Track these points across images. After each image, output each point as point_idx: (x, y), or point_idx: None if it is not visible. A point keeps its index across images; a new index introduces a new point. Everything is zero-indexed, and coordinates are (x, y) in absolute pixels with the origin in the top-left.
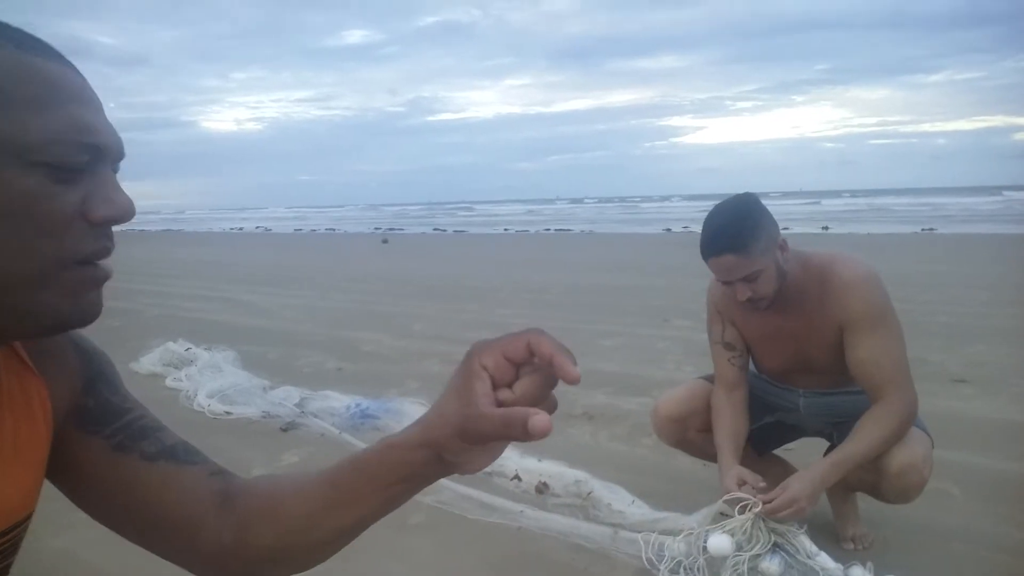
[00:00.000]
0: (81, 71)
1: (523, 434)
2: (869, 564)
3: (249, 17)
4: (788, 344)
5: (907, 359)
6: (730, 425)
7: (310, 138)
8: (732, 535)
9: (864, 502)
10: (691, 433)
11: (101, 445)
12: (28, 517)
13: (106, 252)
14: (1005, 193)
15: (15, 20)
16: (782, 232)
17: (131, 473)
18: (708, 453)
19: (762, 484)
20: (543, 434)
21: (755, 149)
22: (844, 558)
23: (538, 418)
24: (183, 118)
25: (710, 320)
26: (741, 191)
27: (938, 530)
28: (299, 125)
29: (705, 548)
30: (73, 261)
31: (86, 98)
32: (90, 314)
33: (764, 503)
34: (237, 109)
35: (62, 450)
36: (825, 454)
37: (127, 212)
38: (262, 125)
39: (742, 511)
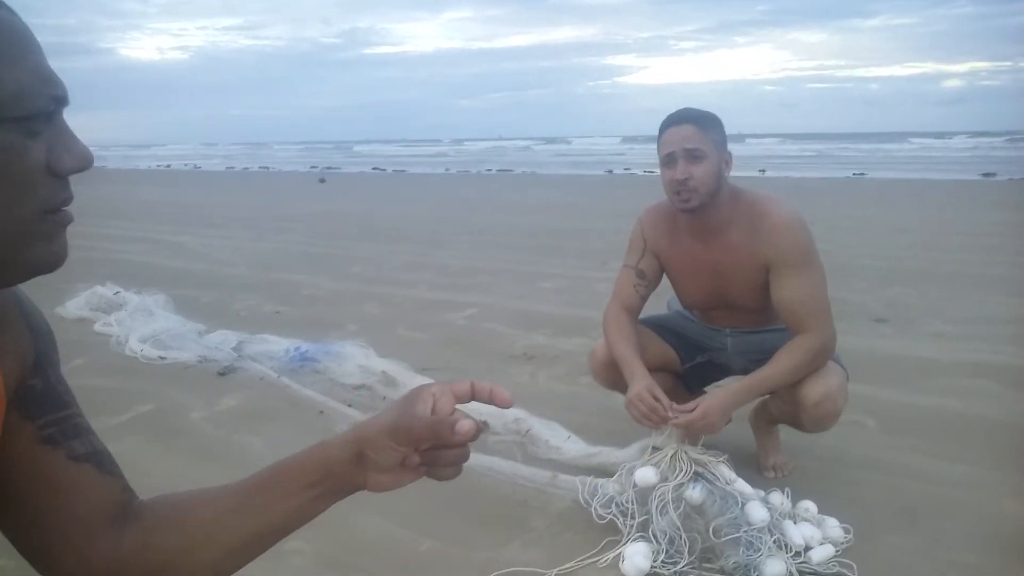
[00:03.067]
0: None
1: (450, 435)
2: (787, 490)
3: None
4: (710, 278)
5: (828, 298)
6: (631, 336)
7: (239, 69)
8: (657, 467)
9: (786, 434)
10: None
11: (30, 432)
12: None
13: (71, 200)
14: (938, 139)
15: None
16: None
17: (49, 469)
18: None
19: (669, 404)
20: (468, 436)
21: (697, 90)
22: (764, 485)
23: (465, 422)
24: (99, 44)
25: (632, 244)
26: None
27: (852, 460)
28: (227, 55)
29: (634, 482)
30: (46, 212)
31: (38, 45)
32: (61, 257)
33: (681, 415)
34: (159, 36)
35: None
36: None
37: (88, 161)
38: (187, 54)
39: (659, 431)
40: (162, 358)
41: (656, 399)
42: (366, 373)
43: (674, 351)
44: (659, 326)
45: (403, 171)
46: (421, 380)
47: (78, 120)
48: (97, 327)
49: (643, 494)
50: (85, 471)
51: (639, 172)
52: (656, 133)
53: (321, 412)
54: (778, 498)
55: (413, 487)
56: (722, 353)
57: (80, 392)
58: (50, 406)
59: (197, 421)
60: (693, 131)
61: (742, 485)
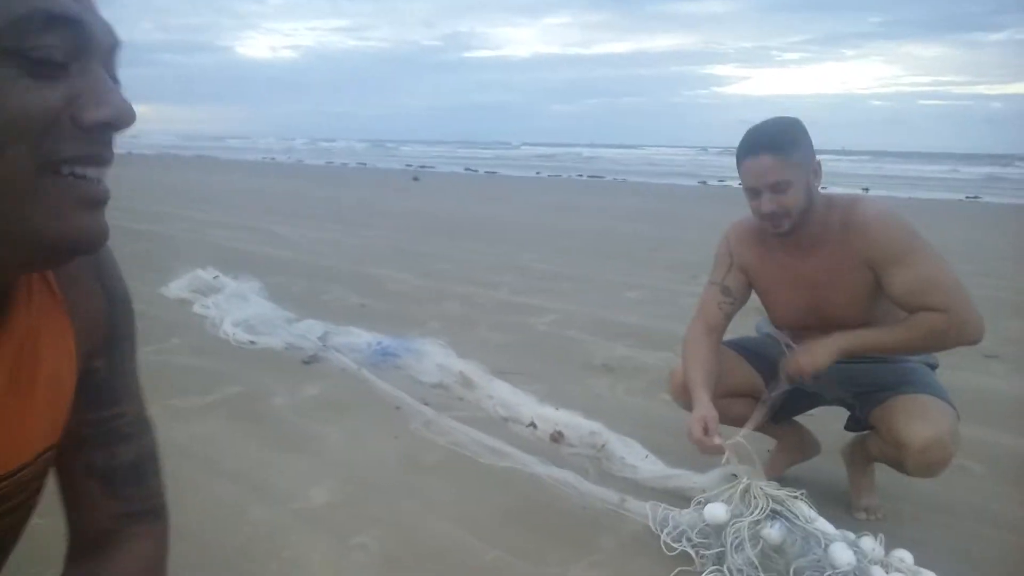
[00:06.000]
0: None
1: None
2: (880, 536)
3: None
4: (805, 291)
5: (956, 278)
6: (707, 362)
7: (345, 68)
8: (728, 502)
9: (880, 474)
10: None
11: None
12: (51, 448)
13: (98, 160)
14: None
15: None
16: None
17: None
18: (726, 417)
19: (718, 439)
20: None
21: (800, 103)
22: (855, 528)
23: None
24: (219, 43)
25: (718, 260)
26: None
27: (956, 507)
28: (334, 55)
29: (703, 518)
30: (50, 165)
31: None
32: (85, 237)
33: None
34: (273, 36)
35: None
36: (846, 424)
37: (122, 114)
38: (297, 53)
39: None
40: (252, 343)
41: (706, 431)
42: (444, 372)
43: (760, 377)
44: (745, 349)
45: (494, 172)
46: (498, 384)
47: (198, 112)
48: (196, 308)
49: (718, 531)
50: (87, 487)
51: (734, 184)
52: None
53: (398, 408)
54: (869, 543)
55: (484, 492)
56: (815, 380)
57: (174, 371)
58: (100, 401)
59: (279, 407)
60: (773, 162)
61: (824, 524)
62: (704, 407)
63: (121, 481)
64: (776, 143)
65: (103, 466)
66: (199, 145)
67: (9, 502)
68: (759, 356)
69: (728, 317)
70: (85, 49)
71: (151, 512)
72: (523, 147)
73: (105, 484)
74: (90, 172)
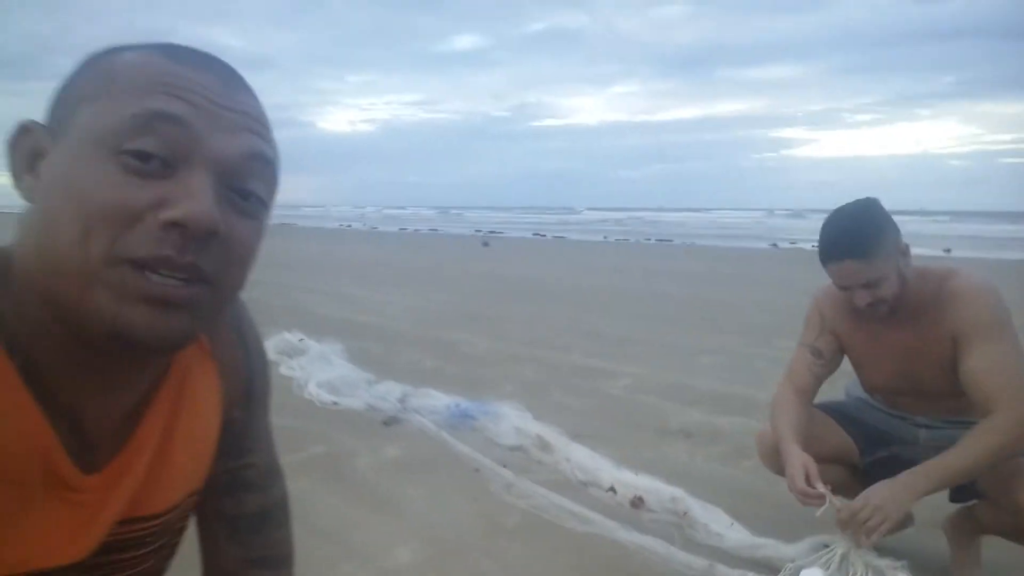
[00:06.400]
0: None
1: None
2: None
3: (364, 21)
4: (896, 360)
5: None
6: (796, 417)
7: (417, 140)
8: (825, 568)
9: (986, 547)
10: None
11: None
12: (195, 492)
13: (167, 262)
14: None
15: (164, 25)
16: None
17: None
18: None
19: (827, 487)
20: None
21: (873, 164)
22: None
23: None
24: (301, 118)
25: (808, 322)
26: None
27: None
28: (407, 127)
29: None
30: (124, 259)
31: (195, 98)
32: (136, 332)
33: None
34: (351, 110)
35: None
36: (951, 494)
37: (195, 219)
38: (373, 126)
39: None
40: (335, 403)
41: (809, 480)
42: (522, 435)
43: (853, 442)
44: (838, 412)
45: (563, 237)
46: (575, 447)
47: (282, 184)
48: (282, 370)
49: None
50: (216, 531)
51: (806, 247)
52: (826, 208)
53: (476, 470)
54: None
55: (564, 557)
56: (912, 447)
57: None
58: (233, 451)
59: (363, 468)
60: (859, 266)
61: None
62: (800, 456)
63: (246, 528)
64: (859, 247)
65: (230, 513)
66: (278, 214)
67: (158, 541)
68: (852, 420)
69: (819, 380)
70: (190, 152)
71: (274, 561)
72: (586, 212)
73: (231, 530)
74: (165, 274)
